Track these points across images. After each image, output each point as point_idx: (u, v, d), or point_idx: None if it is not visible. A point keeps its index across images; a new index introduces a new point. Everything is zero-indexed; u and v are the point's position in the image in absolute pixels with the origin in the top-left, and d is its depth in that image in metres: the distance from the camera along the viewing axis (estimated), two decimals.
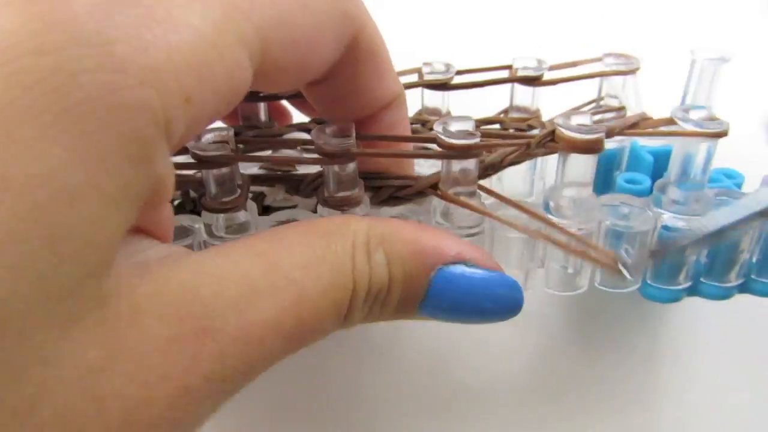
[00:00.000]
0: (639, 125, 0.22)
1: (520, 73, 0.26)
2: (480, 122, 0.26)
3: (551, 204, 0.22)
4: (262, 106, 0.26)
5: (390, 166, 0.23)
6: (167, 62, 0.13)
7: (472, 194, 0.21)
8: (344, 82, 0.20)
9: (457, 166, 0.20)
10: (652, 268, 0.23)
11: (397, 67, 0.22)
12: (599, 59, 0.27)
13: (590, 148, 0.20)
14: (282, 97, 0.26)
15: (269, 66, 0.16)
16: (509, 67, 0.27)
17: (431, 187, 0.22)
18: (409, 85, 0.26)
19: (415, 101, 0.27)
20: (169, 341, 0.14)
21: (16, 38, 0.12)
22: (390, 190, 0.22)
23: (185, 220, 0.22)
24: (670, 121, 0.22)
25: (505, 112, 0.28)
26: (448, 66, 0.26)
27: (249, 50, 0.15)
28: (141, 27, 0.13)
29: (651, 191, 0.25)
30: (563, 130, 0.20)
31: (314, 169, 0.23)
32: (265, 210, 0.24)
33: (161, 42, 0.13)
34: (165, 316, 0.14)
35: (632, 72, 0.26)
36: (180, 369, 0.14)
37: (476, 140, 0.19)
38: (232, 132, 0.20)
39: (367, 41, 0.19)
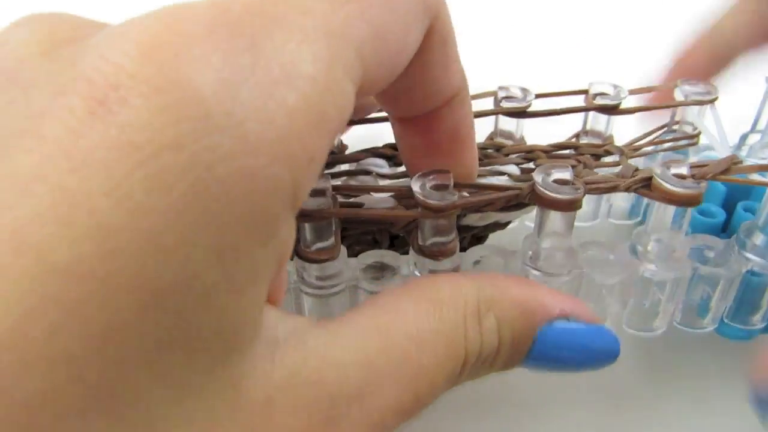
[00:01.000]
0: (730, 170, 0.22)
1: (598, 101, 0.26)
2: (554, 147, 0.26)
3: (639, 248, 0.22)
4: None
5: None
6: (291, 129, 0.13)
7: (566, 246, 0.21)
8: (413, 73, 0.19)
9: (555, 218, 0.20)
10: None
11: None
12: (675, 85, 0.27)
13: (689, 202, 0.20)
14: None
15: (366, 83, 0.16)
16: (585, 92, 0.26)
17: None
18: (486, 113, 0.26)
19: (487, 123, 0.27)
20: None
21: (150, 133, 0.11)
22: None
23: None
24: (763, 168, 0.21)
25: (577, 136, 0.28)
26: (525, 92, 0.26)
27: (352, 77, 0.15)
28: (264, 95, 0.13)
29: (725, 225, 0.25)
30: (662, 182, 0.20)
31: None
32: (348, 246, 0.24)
33: (283, 108, 0.13)
34: (297, 408, 0.14)
35: (711, 102, 0.26)
36: None
37: (580, 193, 0.19)
38: (329, 182, 0.20)
39: (441, 28, 0.18)
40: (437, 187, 0.19)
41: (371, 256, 0.22)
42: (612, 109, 0.26)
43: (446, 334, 0.16)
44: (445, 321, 0.16)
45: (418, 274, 0.21)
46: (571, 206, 0.19)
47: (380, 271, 0.22)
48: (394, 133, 0.22)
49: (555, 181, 0.20)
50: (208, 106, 0.12)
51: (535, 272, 0.22)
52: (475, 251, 0.22)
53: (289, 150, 0.13)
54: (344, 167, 0.26)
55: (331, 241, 0.20)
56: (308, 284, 0.21)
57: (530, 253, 0.22)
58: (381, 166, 0.25)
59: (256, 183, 0.12)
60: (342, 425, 0.14)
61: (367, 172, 0.25)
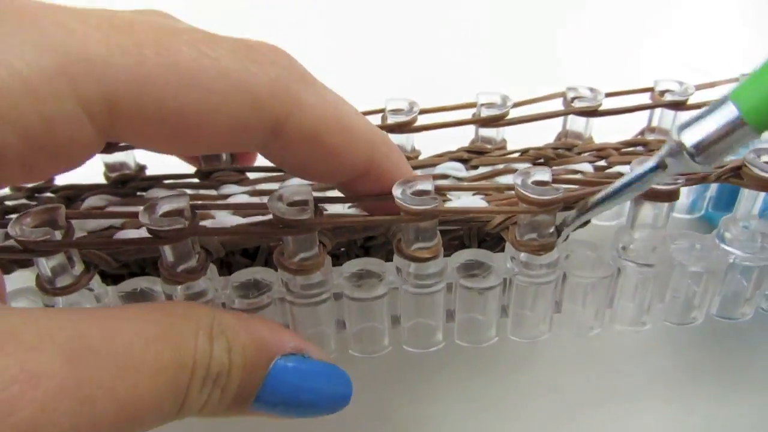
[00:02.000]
0: None
1: (668, 98, 0.26)
2: (624, 144, 0.27)
3: (727, 235, 0.22)
4: None
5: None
6: None
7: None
8: (288, 159, 0.19)
9: (649, 210, 0.21)
10: None
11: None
12: (735, 80, 0.27)
13: None
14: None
15: (125, 132, 0.16)
16: (651, 90, 0.27)
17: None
18: (558, 114, 0.26)
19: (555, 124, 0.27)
20: None
21: None
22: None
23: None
24: None
25: (642, 133, 0.28)
26: (594, 91, 0.26)
27: (89, 111, 0.15)
28: None
29: None
30: (753, 169, 0.20)
31: None
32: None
33: None
34: None
35: None
36: None
37: (680, 183, 0.20)
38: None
39: (298, 128, 0.17)
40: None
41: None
42: (680, 105, 0.26)
43: (175, 340, 0.16)
44: (176, 329, 0.16)
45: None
46: (671, 197, 0.20)
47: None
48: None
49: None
50: None
51: (628, 263, 0.22)
52: (566, 246, 0.23)
53: None
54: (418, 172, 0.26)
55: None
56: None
57: (621, 244, 0.22)
58: (458, 169, 0.26)
59: None
60: (41, 383, 0.13)
61: (445, 176, 0.26)
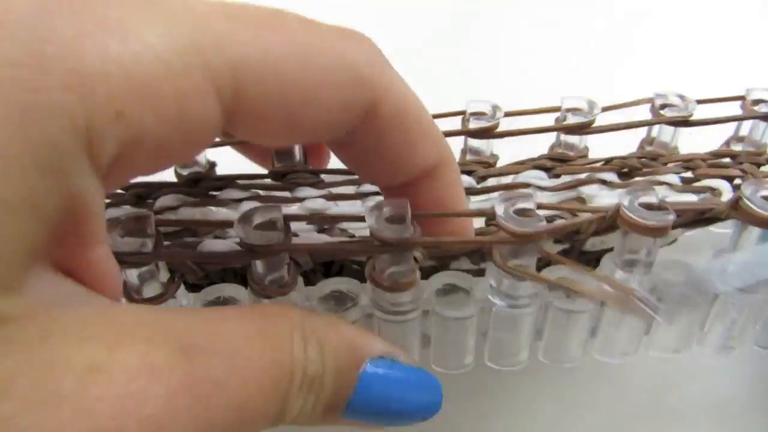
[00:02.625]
0: None
1: (763, 109, 0.25)
2: (712, 155, 0.26)
3: None
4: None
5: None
6: (101, 71, 0.12)
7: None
8: (369, 148, 0.18)
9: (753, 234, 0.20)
10: None
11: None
12: None
13: None
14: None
15: (246, 110, 0.15)
16: (743, 98, 0.26)
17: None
18: (647, 123, 0.25)
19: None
20: (97, 373, 0.12)
21: None
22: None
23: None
24: None
25: (728, 143, 0.27)
26: (686, 101, 0.25)
27: (217, 85, 0.14)
28: (82, 32, 0.13)
29: None
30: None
31: None
32: None
33: (99, 49, 0.13)
34: (100, 346, 0.13)
35: None
36: (104, 420, 0.12)
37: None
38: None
39: (389, 110, 0.17)
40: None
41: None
42: None
43: (272, 340, 0.15)
44: (272, 329, 0.16)
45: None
46: None
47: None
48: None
49: (764, 197, 0.19)
50: (14, 17, 0.12)
51: (726, 288, 0.21)
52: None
53: (89, 88, 0.12)
54: (492, 181, 0.25)
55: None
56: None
57: (718, 267, 0.21)
58: (541, 178, 0.25)
59: (37, 99, 0.12)
60: (162, 377, 0.13)
61: (526, 185, 0.25)
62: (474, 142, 0.25)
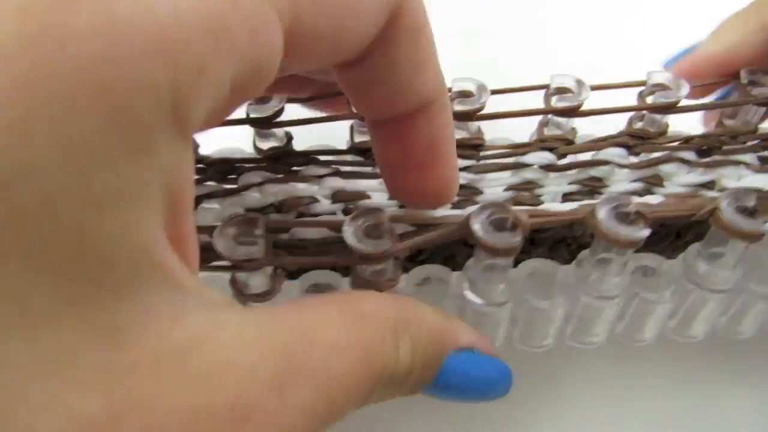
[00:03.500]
0: None
1: None
2: None
3: None
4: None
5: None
6: (176, 25, 0.11)
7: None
8: (380, 66, 0.18)
9: None
10: None
11: None
12: None
13: None
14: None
15: (302, 31, 0.14)
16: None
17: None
18: (733, 104, 0.25)
19: None
20: (192, 413, 0.12)
21: None
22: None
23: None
24: None
25: None
26: None
27: (277, 7, 0.13)
28: None
29: None
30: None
31: None
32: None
33: (169, 1, 0.11)
34: (194, 382, 0.12)
35: None
36: None
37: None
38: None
39: (410, 17, 0.17)
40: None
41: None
42: None
43: (365, 347, 0.16)
44: (366, 333, 0.16)
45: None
46: None
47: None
48: (370, 139, 0.21)
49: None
50: None
51: None
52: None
53: (170, 49, 0.11)
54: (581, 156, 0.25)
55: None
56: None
57: None
58: (622, 156, 0.25)
59: (118, 73, 0.11)
60: (251, 417, 0.13)
61: (606, 163, 0.25)
62: (556, 116, 0.25)
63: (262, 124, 0.24)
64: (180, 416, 0.12)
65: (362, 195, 0.24)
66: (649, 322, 0.24)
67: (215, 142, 0.24)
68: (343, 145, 0.25)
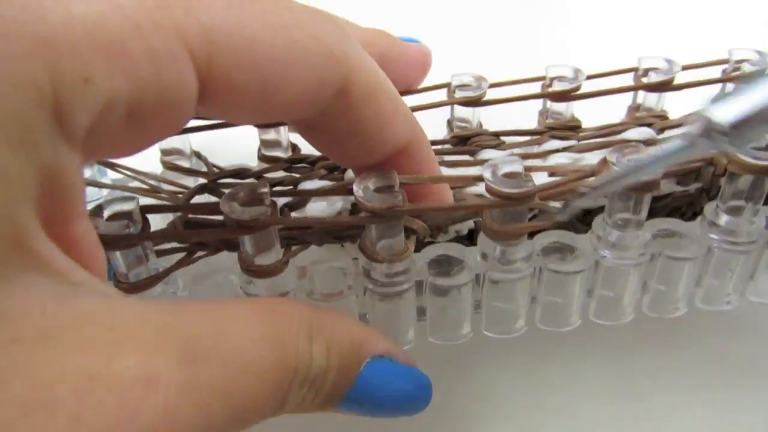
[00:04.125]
0: None
1: None
2: None
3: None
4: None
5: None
6: (65, 34, 0.12)
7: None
8: (341, 128, 0.18)
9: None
10: None
11: None
12: None
13: None
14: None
15: (221, 81, 0.15)
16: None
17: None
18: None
19: None
20: (87, 377, 0.12)
21: None
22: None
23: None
24: None
25: None
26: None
27: (190, 48, 0.14)
28: None
29: None
30: None
31: None
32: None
33: (62, 10, 0.12)
34: (89, 349, 0.12)
35: None
36: (100, 429, 0.12)
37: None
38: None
39: (361, 86, 0.18)
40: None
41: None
42: None
43: (278, 341, 0.15)
44: (279, 329, 0.16)
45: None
46: None
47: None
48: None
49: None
50: None
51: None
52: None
53: (53, 52, 0.12)
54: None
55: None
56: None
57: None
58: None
59: (0, 70, 0.11)
60: (161, 385, 0.12)
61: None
62: (650, 98, 0.26)
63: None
64: (73, 380, 0.12)
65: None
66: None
67: None
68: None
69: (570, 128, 0.25)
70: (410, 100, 0.24)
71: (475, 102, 0.25)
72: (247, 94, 0.16)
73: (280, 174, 0.24)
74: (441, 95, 0.26)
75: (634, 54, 0.26)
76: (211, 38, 0.14)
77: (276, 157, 0.25)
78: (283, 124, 0.25)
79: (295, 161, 0.25)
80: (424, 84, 0.25)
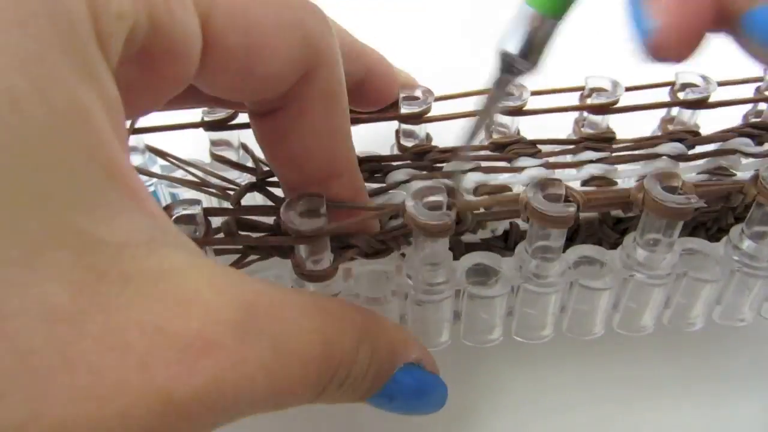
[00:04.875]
0: None
1: None
2: None
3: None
4: None
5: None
6: None
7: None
8: (293, 120, 0.20)
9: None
10: None
11: None
12: None
13: None
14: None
15: (216, 37, 0.16)
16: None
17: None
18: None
19: None
20: (156, 331, 0.13)
21: None
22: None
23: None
24: None
25: None
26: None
27: (195, 2, 0.16)
28: None
29: None
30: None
31: None
32: None
33: None
34: (161, 303, 0.13)
35: None
36: (160, 379, 0.13)
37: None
38: None
39: (323, 81, 0.19)
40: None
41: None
42: None
43: (327, 337, 0.16)
44: (330, 327, 0.17)
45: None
46: None
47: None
48: None
49: None
50: None
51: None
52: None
53: None
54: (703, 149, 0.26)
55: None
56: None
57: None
58: (748, 145, 0.26)
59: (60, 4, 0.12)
60: (213, 351, 0.13)
61: (733, 152, 0.26)
62: (684, 112, 0.26)
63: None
64: (143, 331, 0.13)
65: (504, 188, 0.25)
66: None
67: None
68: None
69: (605, 140, 0.26)
70: (448, 106, 0.26)
71: (517, 111, 0.26)
72: (235, 58, 0.17)
73: None
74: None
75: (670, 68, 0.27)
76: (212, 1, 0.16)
77: None
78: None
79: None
80: (461, 90, 0.26)
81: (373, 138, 0.27)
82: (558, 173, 0.25)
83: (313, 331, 0.16)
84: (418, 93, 0.26)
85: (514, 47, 0.18)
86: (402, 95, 0.26)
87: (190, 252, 0.15)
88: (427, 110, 0.26)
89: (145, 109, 0.18)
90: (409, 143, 0.27)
